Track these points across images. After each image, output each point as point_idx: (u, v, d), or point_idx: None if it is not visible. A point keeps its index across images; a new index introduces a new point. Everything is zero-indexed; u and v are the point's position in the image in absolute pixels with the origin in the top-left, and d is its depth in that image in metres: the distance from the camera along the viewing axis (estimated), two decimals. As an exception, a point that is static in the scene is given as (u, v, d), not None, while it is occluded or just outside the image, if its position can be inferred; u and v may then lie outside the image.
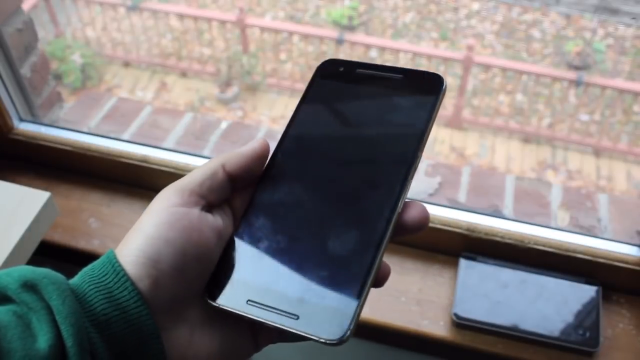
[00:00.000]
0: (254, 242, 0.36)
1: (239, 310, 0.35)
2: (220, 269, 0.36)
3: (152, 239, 0.34)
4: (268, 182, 0.38)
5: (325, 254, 0.35)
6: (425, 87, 0.39)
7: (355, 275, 0.34)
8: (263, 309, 0.34)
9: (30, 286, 0.32)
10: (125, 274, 0.33)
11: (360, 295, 0.33)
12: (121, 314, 0.33)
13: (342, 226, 0.36)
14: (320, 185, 0.37)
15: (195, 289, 0.36)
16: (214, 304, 0.35)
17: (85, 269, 0.35)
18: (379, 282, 0.35)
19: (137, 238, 0.34)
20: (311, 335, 0.33)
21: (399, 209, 0.35)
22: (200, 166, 0.38)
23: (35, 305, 0.32)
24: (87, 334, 0.32)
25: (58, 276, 0.33)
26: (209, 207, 0.37)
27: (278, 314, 0.34)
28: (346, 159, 0.38)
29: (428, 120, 0.38)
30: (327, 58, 0.42)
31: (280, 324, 0.33)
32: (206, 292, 0.35)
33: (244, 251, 0.36)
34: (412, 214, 0.36)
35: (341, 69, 0.41)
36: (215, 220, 0.37)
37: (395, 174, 0.36)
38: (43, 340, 0.31)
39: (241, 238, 0.37)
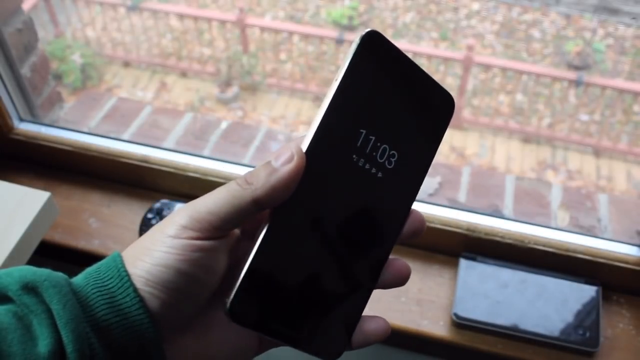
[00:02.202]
0: (277, 262, 0.34)
1: (260, 330, 0.34)
2: (243, 288, 0.33)
3: (164, 267, 0.32)
4: (294, 198, 0.34)
5: (340, 283, 0.36)
6: (439, 104, 0.38)
7: (355, 307, 0.37)
8: (279, 330, 0.34)
9: (31, 288, 0.32)
10: (129, 280, 0.32)
11: (354, 328, 0.37)
12: (122, 320, 0.32)
13: (355, 257, 0.36)
14: (342, 207, 0.35)
15: (204, 304, 0.35)
16: (238, 325, 0.33)
17: (90, 270, 0.34)
18: (402, 281, 0.37)
19: (148, 260, 0.33)
20: (316, 356, 0.36)
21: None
22: (225, 192, 0.33)
23: (36, 308, 0.31)
24: (87, 339, 0.31)
25: (59, 278, 0.33)
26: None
27: (291, 336, 0.35)
28: (368, 175, 0.36)
29: (438, 143, 0.38)
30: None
31: (292, 345, 0.35)
32: (229, 312, 0.33)
33: (266, 272, 0.34)
34: (409, 225, 0.37)
35: (381, 52, 0.36)
36: (230, 242, 0.35)
37: (403, 201, 0.37)
38: (43, 345, 0.30)
39: (265, 256, 0.33)
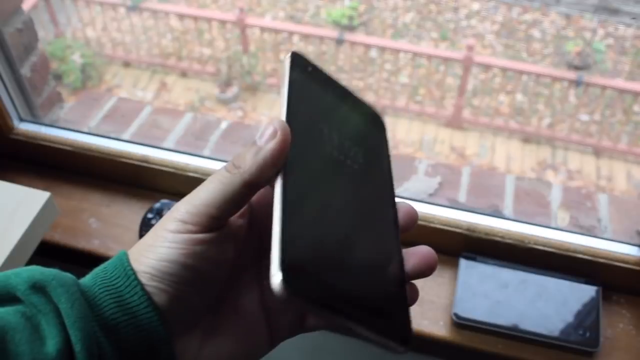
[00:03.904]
0: (308, 225, 0.31)
1: (323, 304, 0.29)
2: (287, 252, 0.29)
3: (169, 262, 0.32)
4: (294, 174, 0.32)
5: (375, 259, 0.34)
6: (372, 122, 0.39)
7: (399, 293, 0.33)
8: (343, 306, 0.30)
9: (39, 288, 0.32)
10: (136, 279, 0.32)
11: (409, 316, 0.33)
12: (130, 319, 0.32)
13: (371, 238, 0.35)
14: (338, 184, 0.35)
15: (211, 299, 0.35)
16: (296, 299, 0.28)
17: (97, 270, 0.34)
18: (428, 268, 0.35)
19: (152, 256, 0.33)
20: (387, 342, 0.31)
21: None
22: (217, 181, 0.33)
23: (44, 308, 0.31)
24: (96, 338, 0.31)
25: (67, 278, 0.33)
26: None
27: (357, 314, 0.31)
28: (346, 164, 0.36)
29: (388, 155, 0.39)
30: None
31: (361, 325, 0.30)
32: (284, 282, 0.28)
33: (302, 235, 0.31)
34: (400, 216, 0.37)
35: (309, 69, 0.37)
36: (232, 230, 0.35)
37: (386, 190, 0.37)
38: (51, 344, 0.30)
39: (293, 221, 0.30)
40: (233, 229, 0.35)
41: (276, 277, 0.28)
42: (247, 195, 0.33)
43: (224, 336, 0.35)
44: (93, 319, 0.31)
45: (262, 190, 0.35)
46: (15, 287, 0.32)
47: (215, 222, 0.33)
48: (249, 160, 0.32)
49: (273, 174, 0.32)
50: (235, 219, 0.35)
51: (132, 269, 0.33)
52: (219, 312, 0.35)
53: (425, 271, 0.35)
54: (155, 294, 0.32)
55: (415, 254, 0.35)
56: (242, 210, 0.35)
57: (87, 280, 0.33)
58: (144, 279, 0.33)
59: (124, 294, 0.32)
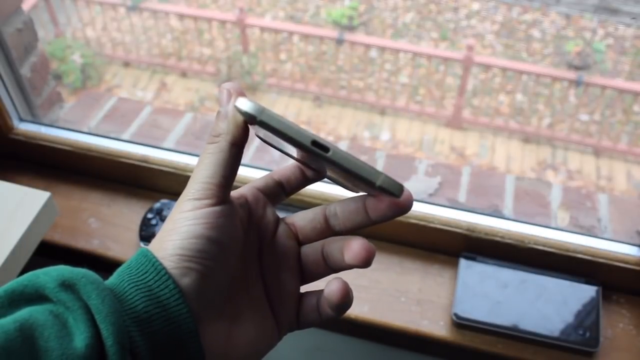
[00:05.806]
0: None
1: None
2: None
3: (195, 238, 0.34)
4: None
5: None
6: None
7: None
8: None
9: (68, 285, 0.32)
10: (167, 272, 0.33)
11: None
12: (162, 312, 0.33)
13: None
14: None
15: (233, 280, 0.36)
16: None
17: (121, 269, 0.35)
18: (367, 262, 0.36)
19: (177, 237, 0.34)
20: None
21: None
22: (209, 155, 0.35)
23: (73, 305, 0.32)
24: (127, 332, 0.32)
25: (96, 276, 0.34)
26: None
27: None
28: None
29: None
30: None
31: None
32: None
33: None
34: (351, 251, 0.36)
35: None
36: (240, 212, 0.37)
37: None
38: (80, 340, 0.31)
39: None
40: (238, 210, 0.37)
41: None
42: (238, 155, 0.35)
43: (246, 324, 0.37)
44: (124, 313, 0.32)
45: (255, 191, 0.39)
46: (44, 285, 0.33)
47: (224, 190, 0.35)
48: (223, 125, 0.35)
49: (246, 127, 0.35)
50: (237, 207, 0.37)
51: (160, 264, 0.34)
52: (236, 301, 0.37)
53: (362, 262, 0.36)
54: (185, 275, 0.33)
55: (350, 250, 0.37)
56: (241, 201, 0.38)
57: (112, 280, 0.34)
58: (172, 262, 0.34)
59: (154, 288, 0.33)
